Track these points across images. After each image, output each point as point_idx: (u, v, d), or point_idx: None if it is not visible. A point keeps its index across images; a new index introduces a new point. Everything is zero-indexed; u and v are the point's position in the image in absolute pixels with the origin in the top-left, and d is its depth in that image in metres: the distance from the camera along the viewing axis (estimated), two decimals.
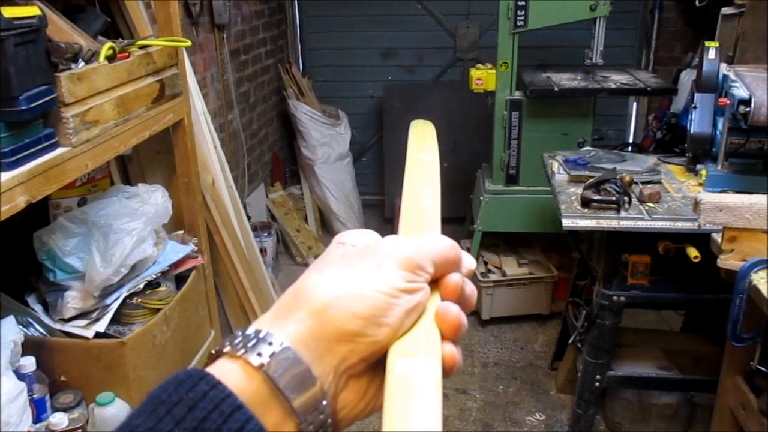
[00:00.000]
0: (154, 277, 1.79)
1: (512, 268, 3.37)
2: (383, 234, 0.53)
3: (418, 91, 4.50)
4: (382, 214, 4.90)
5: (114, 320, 1.70)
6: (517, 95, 3.15)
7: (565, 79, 3.15)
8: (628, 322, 2.60)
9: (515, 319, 3.45)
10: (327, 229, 4.69)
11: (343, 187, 4.56)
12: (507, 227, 3.35)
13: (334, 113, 4.70)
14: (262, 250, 3.67)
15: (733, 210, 1.68)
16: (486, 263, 3.45)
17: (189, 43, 1.82)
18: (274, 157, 4.61)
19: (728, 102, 2.04)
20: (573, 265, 3.06)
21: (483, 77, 3.15)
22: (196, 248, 2.02)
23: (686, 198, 2.16)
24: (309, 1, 4.87)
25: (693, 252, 1.97)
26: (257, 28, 4.20)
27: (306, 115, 4.40)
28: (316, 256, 4.19)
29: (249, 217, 3.74)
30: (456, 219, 4.43)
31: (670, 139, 4.22)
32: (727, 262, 1.74)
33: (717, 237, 1.83)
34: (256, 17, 4.18)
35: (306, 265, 4.19)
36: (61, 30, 1.50)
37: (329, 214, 4.58)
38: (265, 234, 3.77)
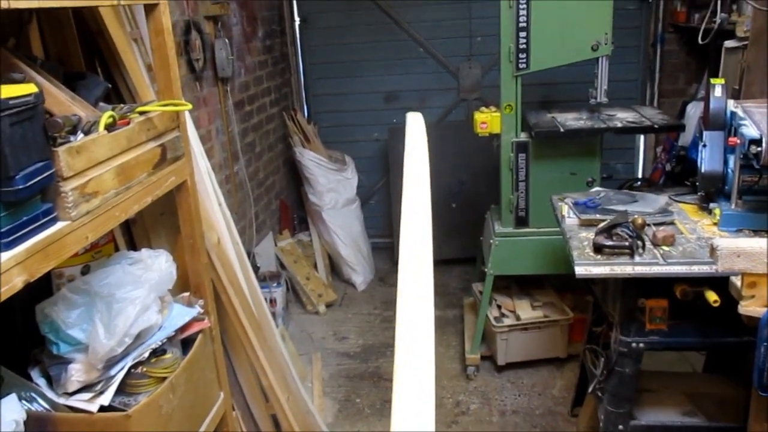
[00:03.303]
0: (160, 344, 1.75)
1: (526, 311, 3.30)
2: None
3: None
4: (392, 257, 4.86)
5: (119, 391, 1.65)
6: (523, 137, 3.13)
7: (570, 119, 3.13)
8: (647, 362, 2.52)
9: (532, 363, 3.38)
10: (337, 274, 4.65)
11: (352, 232, 4.54)
12: (519, 270, 3.30)
13: (341, 158, 4.70)
14: (272, 301, 3.63)
15: (752, 255, 1.63)
16: (499, 307, 3.39)
17: (190, 107, 1.81)
18: (281, 204, 4.60)
19: (739, 141, 2.01)
20: (588, 305, 3.00)
21: (487, 120, 3.14)
22: (202, 310, 1.98)
23: (701, 239, 2.11)
24: (312, 49, 4.92)
25: (712, 296, 1.91)
26: (261, 78, 4.23)
27: (312, 161, 4.41)
28: (326, 304, 4.18)
29: (258, 268, 3.71)
30: (466, 260, 4.40)
31: (680, 171, 4.18)
32: (748, 308, 1.68)
33: (736, 280, 1.77)
34: (260, 67, 4.22)
35: (317, 313, 4.15)
36: (60, 102, 1.49)
37: (339, 260, 4.55)
38: (275, 284, 3.73)
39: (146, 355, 1.71)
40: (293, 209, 4.85)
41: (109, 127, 1.53)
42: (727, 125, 2.22)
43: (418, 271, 1.04)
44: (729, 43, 3.21)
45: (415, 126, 1.61)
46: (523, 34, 2.92)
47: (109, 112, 1.55)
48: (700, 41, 3.14)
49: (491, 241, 3.27)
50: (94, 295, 1.62)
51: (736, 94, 2.88)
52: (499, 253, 3.24)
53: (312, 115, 5.05)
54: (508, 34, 2.96)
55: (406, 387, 0.84)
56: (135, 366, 1.68)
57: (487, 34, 4.50)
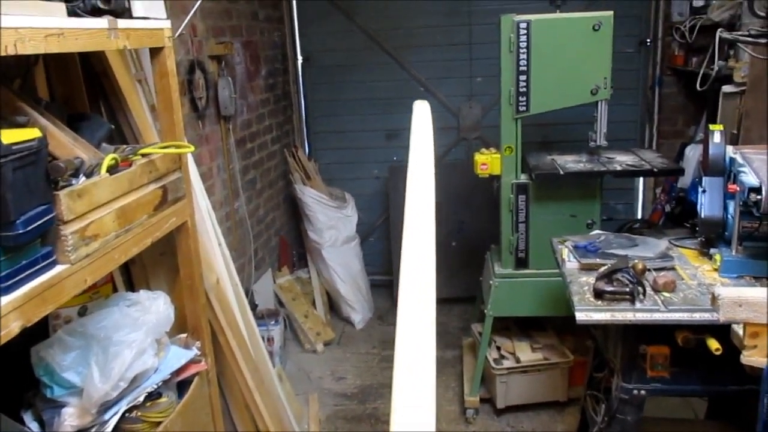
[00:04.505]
0: (155, 387, 1.73)
1: (526, 354, 3.27)
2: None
3: None
4: (391, 295, 4.83)
5: None
6: (523, 178, 3.14)
7: (570, 162, 3.15)
8: (650, 407, 2.48)
9: (532, 407, 3.33)
10: (335, 312, 4.62)
11: (351, 270, 4.52)
12: (518, 312, 3.28)
13: (341, 196, 4.71)
14: (269, 339, 3.60)
15: (754, 305, 1.62)
16: (499, 348, 3.36)
17: (192, 149, 1.82)
18: (281, 241, 4.59)
19: (738, 189, 2.01)
20: (589, 349, 2.97)
21: (488, 162, 3.15)
22: (199, 352, 1.96)
23: (702, 285, 2.10)
24: (314, 87, 4.97)
25: (714, 344, 1.89)
26: (263, 116, 4.27)
27: (312, 198, 4.41)
28: (324, 343, 4.14)
29: (256, 306, 3.69)
30: (465, 299, 4.37)
31: (679, 213, 4.19)
32: (751, 358, 1.66)
33: (738, 329, 1.75)
34: (262, 105, 4.26)
35: (314, 351, 4.11)
36: (63, 144, 1.50)
37: (337, 298, 4.53)
38: (272, 322, 3.70)
39: (141, 398, 1.69)
40: (293, 246, 4.84)
41: (111, 170, 1.53)
42: (726, 171, 2.22)
43: (421, 279, 1.02)
44: (727, 88, 3.25)
45: (422, 116, 1.50)
46: (523, 77, 2.96)
47: (112, 155, 1.56)
48: (698, 87, 3.17)
49: (491, 281, 3.26)
50: (91, 337, 1.60)
51: (734, 139, 2.89)
52: (499, 294, 3.22)
53: (313, 152, 5.07)
54: (508, 77, 2.99)
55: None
56: (129, 410, 1.66)
57: (488, 75, 4.56)
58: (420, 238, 1.07)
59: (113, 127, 1.89)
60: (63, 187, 1.35)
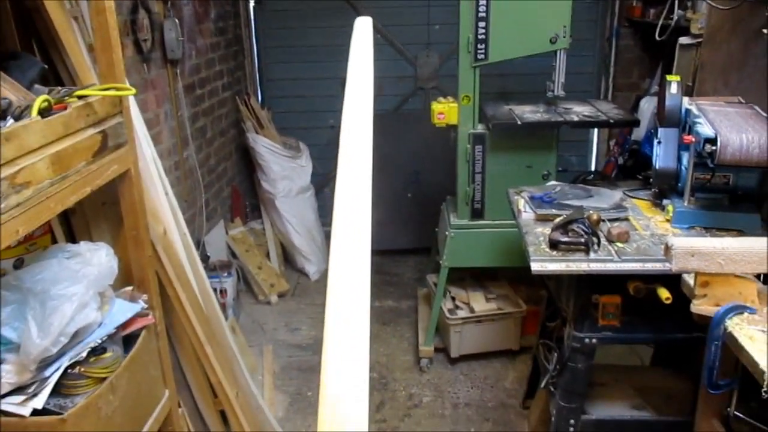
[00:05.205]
0: (99, 342, 1.66)
1: (480, 304, 3.30)
2: None
3: (380, 121, 4.40)
4: None
5: (55, 392, 1.56)
6: (480, 128, 3.10)
7: (528, 112, 3.12)
8: (597, 355, 2.54)
9: (485, 355, 3.38)
10: (290, 264, 4.57)
11: (306, 221, 4.46)
12: (474, 262, 3.28)
13: (295, 145, 4.61)
14: (222, 291, 3.54)
15: (705, 255, 1.63)
16: (453, 299, 3.38)
17: (133, 91, 1.71)
18: (233, 191, 4.48)
19: (694, 140, 2.01)
20: (541, 298, 3.01)
21: (445, 111, 3.10)
22: (146, 305, 1.89)
23: (655, 236, 2.12)
24: (267, 32, 4.80)
25: (664, 293, 1.92)
26: (213, 61, 4.10)
27: (266, 148, 4.30)
28: (279, 294, 4.10)
29: (207, 257, 3.61)
30: (421, 250, 4.37)
31: (632, 165, 4.24)
32: (700, 307, 1.69)
33: (689, 279, 1.78)
34: (212, 50, 4.08)
35: (268, 303, 4.07)
36: None
37: (292, 249, 4.47)
38: (225, 274, 3.63)
39: (84, 354, 1.61)
40: (245, 196, 4.74)
41: (44, 113, 1.42)
42: (682, 122, 2.23)
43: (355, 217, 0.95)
44: (683, 40, 3.25)
45: (362, 36, 1.35)
46: (482, 24, 2.89)
47: (44, 96, 1.44)
48: (657, 37, 3.16)
49: (446, 232, 3.25)
50: (27, 291, 1.52)
51: (689, 91, 2.91)
52: (454, 245, 3.22)
53: (266, 100, 4.93)
54: (467, 24, 2.92)
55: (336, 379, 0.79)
56: (72, 366, 1.59)
57: (446, 23, 4.46)
58: (355, 172, 0.98)
59: (46, 67, 1.76)
60: None
